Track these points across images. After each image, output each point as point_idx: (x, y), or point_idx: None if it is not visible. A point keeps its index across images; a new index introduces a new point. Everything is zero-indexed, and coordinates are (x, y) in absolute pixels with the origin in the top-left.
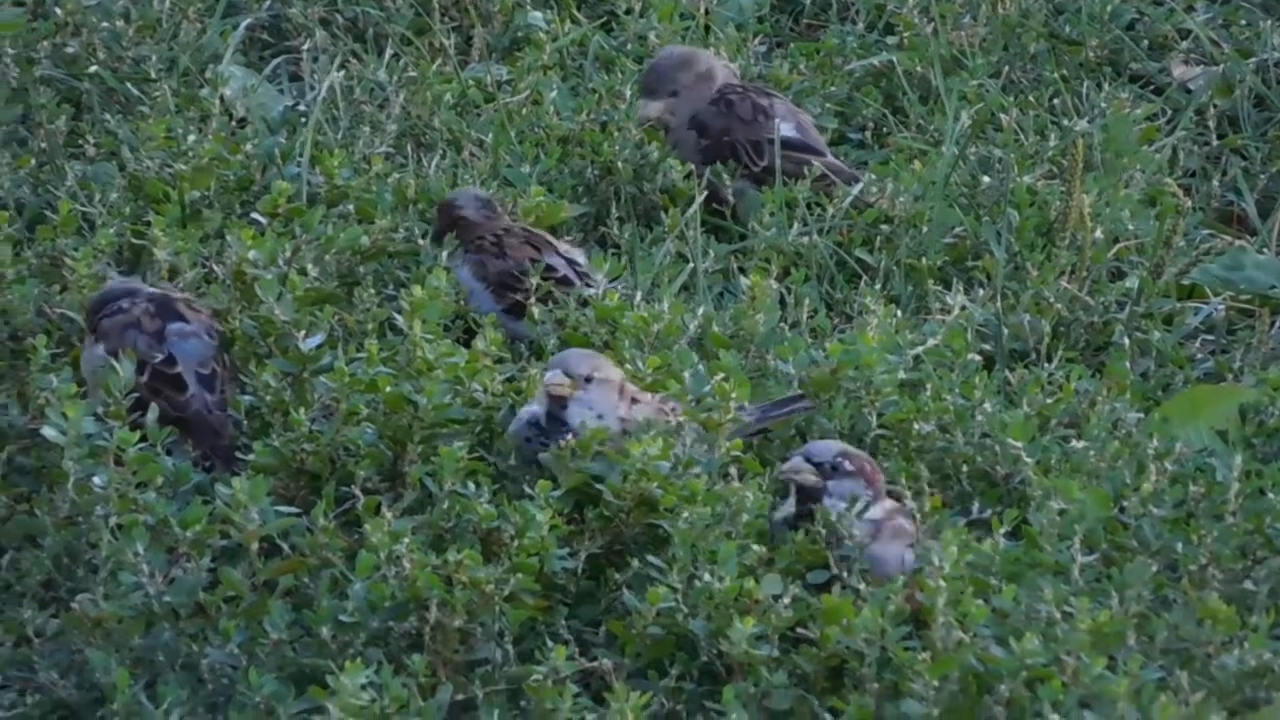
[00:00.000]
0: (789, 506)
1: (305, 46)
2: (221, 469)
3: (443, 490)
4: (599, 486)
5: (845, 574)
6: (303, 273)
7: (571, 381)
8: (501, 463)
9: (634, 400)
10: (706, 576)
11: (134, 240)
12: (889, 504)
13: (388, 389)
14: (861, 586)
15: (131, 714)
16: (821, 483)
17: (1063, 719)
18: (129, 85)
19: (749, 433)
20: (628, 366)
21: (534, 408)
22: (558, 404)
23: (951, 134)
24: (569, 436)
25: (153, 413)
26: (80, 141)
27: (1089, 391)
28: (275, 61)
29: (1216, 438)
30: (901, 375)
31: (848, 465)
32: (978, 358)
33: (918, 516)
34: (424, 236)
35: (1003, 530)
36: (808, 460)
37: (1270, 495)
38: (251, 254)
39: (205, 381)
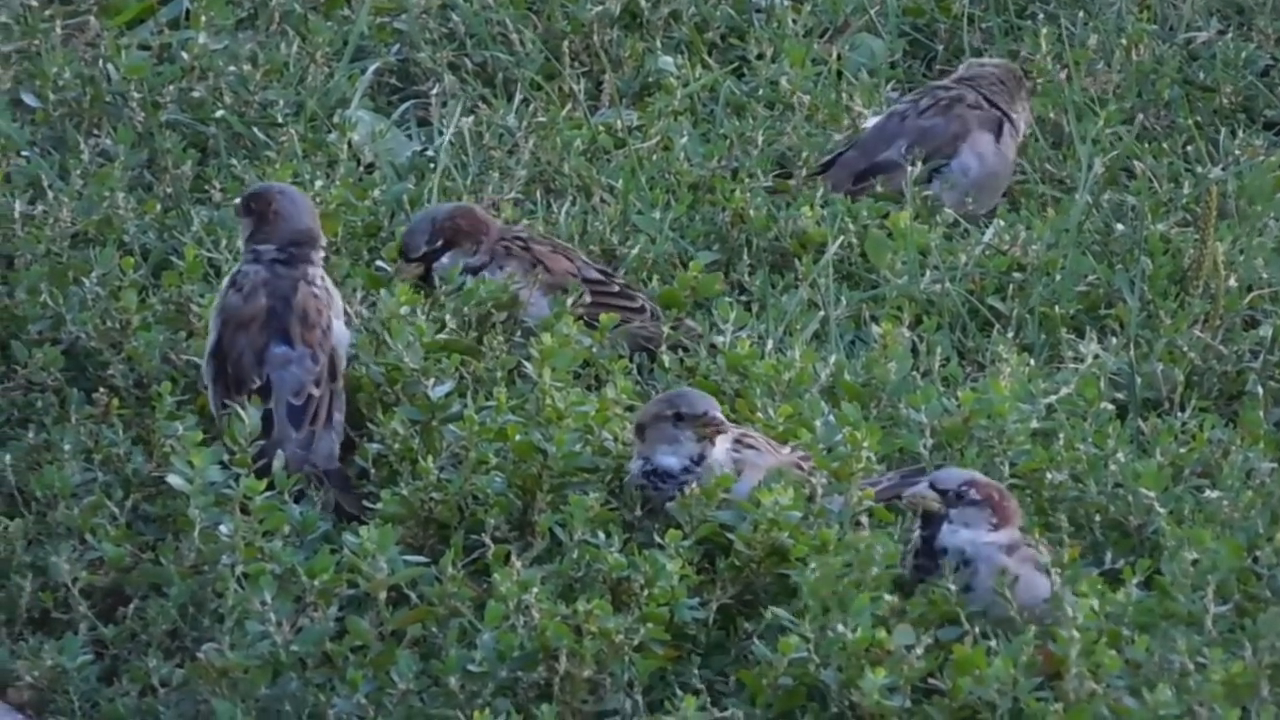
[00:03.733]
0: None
1: (434, 91)
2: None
3: (572, 539)
4: (729, 536)
5: (975, 629)
6: (442, 326)
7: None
8: (628, 513)
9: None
10: (839, 627)
11: None
12: (1018, 534)
13: (517, 437)
14: (992, 643)
15: None
16: (943, 508)
17: None
18: (255, 130)
19: (884, 499)
20: (759, 415)
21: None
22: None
23: (1085, 181)
24: (694, 485)
25: (279, 461)
26: (206, 187)
27: (1222, 441)
28: (403, 106)
29: None
30: (1034, 424)
31: (974, 494)
32: (1110, 407)
33: (1049, 567)
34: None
35: (1136, 580)
36: (933, 487)
37: None
38: (404, 309)
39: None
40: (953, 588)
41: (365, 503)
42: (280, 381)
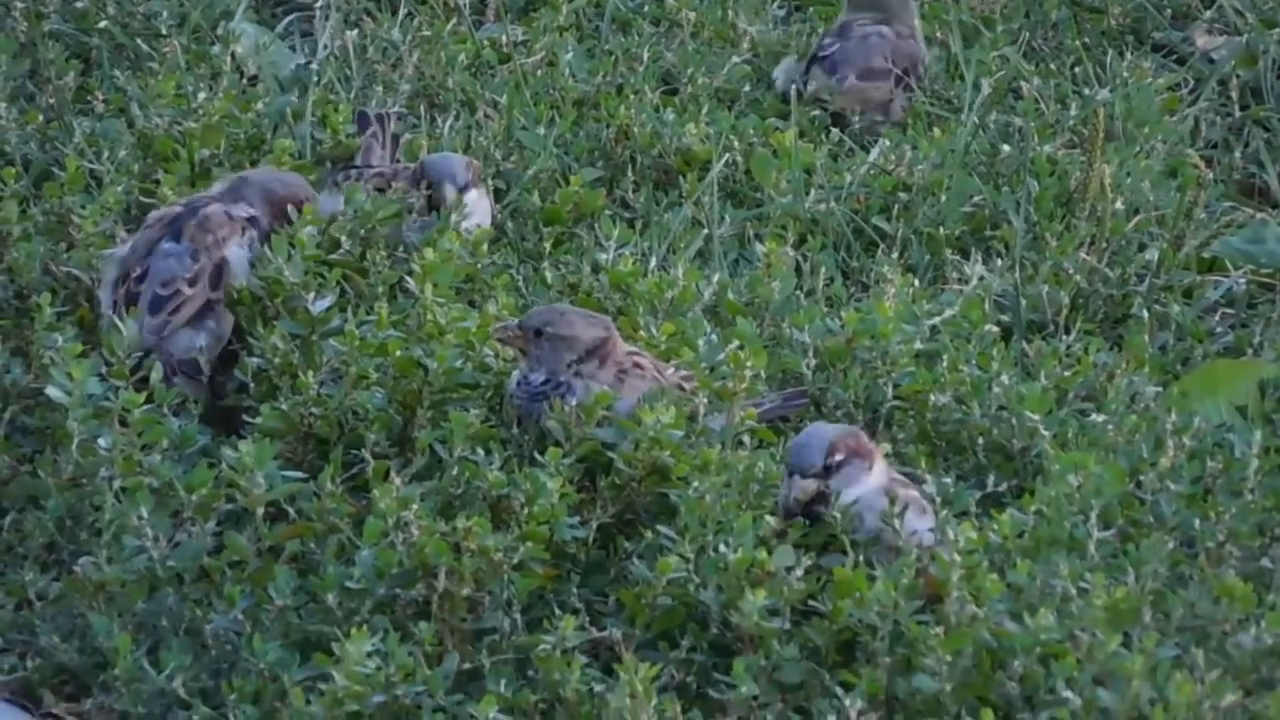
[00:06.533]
0: (791, 499)
1: (318, 4)
2: None
3: (452, 456)
4: (610, 454)
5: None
6: (335, 245)
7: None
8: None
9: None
10: (720, 548)
11: (142, 198)
12: (883, 464)
13: (398, 353)
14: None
15: (133, 679)
16: (826, 487)
17: (1077, 695)
18: (139, 41)
19: (765, 419)
20: (642, 333)
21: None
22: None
23: (971, 102)
24: (572, 400)
25: (156, 372)
26: (89, 98)
27: (1107, 364)
28: (287, 19)
29: (1235, 413)
30: (918, 346)
31: (839, 456)
32: (995, 329)
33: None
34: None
35: (1018, 505)
36: (800, 474)
37: None
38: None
39: None
40: (837, 516)
41: (245, 417)
42: (155, 270)
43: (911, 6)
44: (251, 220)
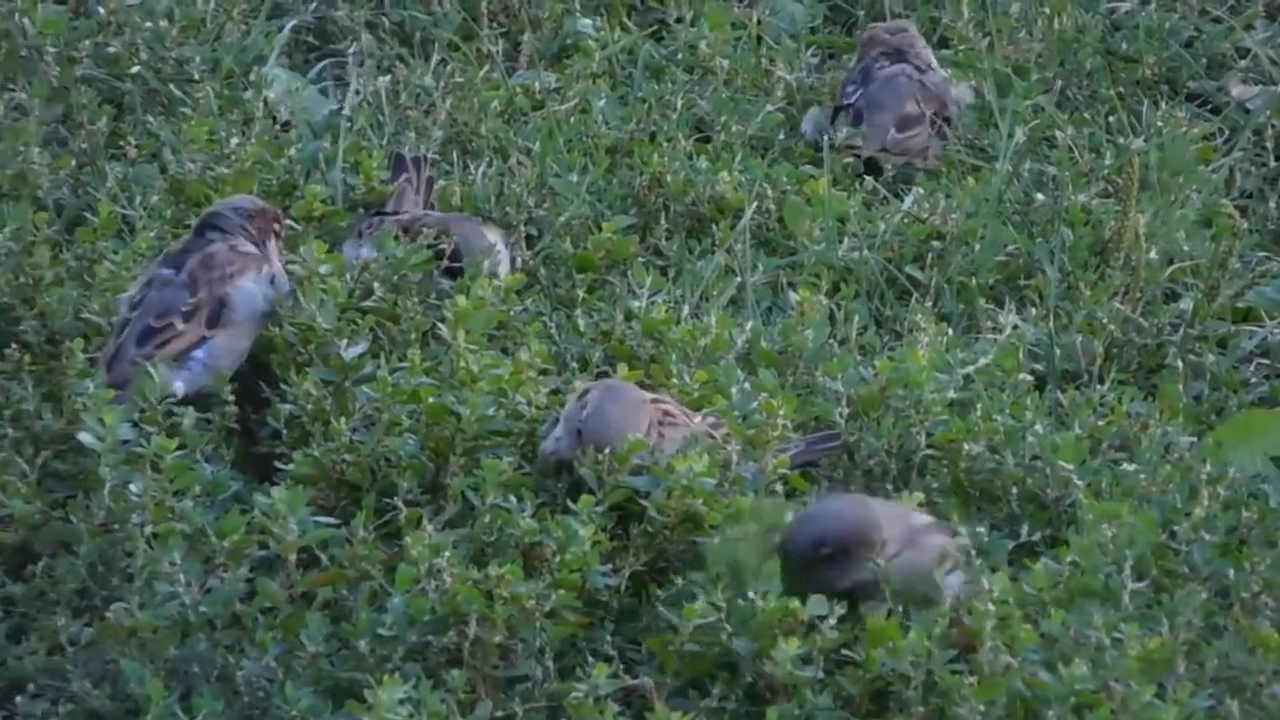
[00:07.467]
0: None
1: (351, 50)
2: None
3: (485, 504)
4: (643, 502)
5: (898, 609)
6: (368, 292)
7: None
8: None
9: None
10: (751, 595)
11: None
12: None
13: (430, 400)
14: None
15: None
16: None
17: None
18: (172, 86)
19: (794, 465)
20: (674, 380)
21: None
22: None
23: (1005, 150)
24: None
25: (189, 418)
26: (121, 143)
27: (1141, 414)
28: (320, 65)
29: (1270, 463)
30: (951, 394)
31: (825, 550)
32: (1029, 378)
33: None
34: None
35: (1052, 555)
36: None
37: None
38: (323, 268)
39: None
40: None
41: (277, 463)
42: (150, 301)
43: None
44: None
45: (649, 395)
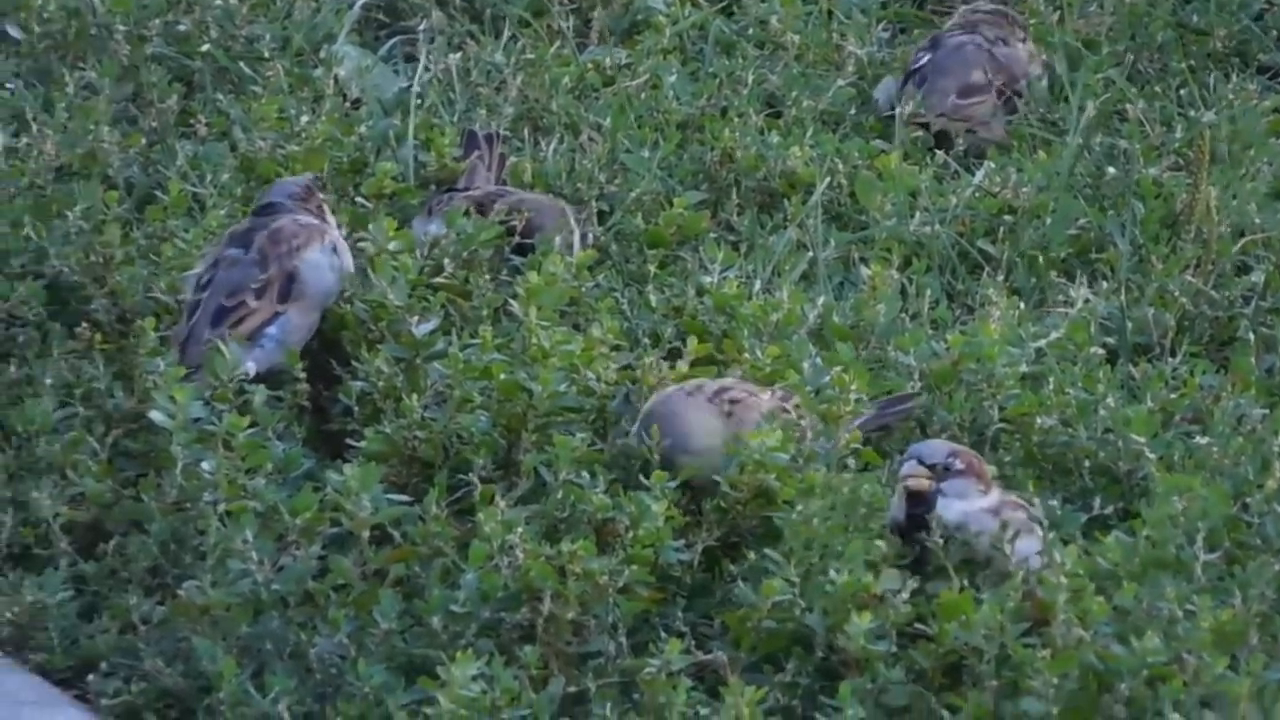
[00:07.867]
0: (898, 510)
1: (421, 27)
2: None
3: (557, 480)
4: (716, 478)
5: (966, 581)
6: (439, 268)
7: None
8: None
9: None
10: (827, 571)
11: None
12: (999, 495)
13: (502, 376)
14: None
15: (238, 703)
16: (935, 485)
17: (1183, 718)
18: (241, 64)
19: (866, 431)
20: (745, 356)
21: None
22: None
23: (1076, 124)
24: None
25: (260, 396)
26: (191, 121)
27: (1213, 387)
28: (390, 42)
29: None
30: (1023, 368)
31: (958, 464)
32: (1100, 351)
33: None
34: None
35: (1124, 528)
36: (920, 462)
37: None
38: (392, 245)
39: None
40: (941, 543)
41: (349, 441)
42: (219, 281)
43: None
44: None
45: (713, 386)
